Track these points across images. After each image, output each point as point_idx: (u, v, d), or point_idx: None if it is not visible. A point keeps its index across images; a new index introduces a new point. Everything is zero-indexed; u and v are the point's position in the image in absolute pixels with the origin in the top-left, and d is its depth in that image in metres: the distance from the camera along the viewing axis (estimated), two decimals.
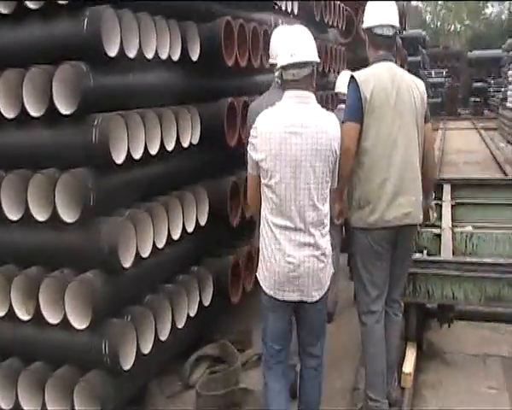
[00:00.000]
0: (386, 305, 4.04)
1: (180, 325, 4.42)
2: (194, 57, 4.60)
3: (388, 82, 3.76)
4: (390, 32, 3.84)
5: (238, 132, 5.03)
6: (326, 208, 3.38)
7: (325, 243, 3.38)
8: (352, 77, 3.81)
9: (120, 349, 3.73)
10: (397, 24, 3.88)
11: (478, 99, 36.51)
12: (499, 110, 27.68)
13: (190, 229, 4.54)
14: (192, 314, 4.58)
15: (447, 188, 7.56)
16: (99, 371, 3.77)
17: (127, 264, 3.80)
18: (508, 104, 25.02)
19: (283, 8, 6.35)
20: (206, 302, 4.83)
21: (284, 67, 3.32)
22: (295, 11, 6.72)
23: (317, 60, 3.38)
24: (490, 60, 37.22)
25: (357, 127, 3.72)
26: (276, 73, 3.51)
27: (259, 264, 3.46)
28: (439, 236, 5.58)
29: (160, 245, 4.16)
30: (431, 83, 32.70)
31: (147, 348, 4.02)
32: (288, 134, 3.22)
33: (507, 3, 51.46)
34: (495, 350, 5.13)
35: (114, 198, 3.93)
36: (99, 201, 3.71)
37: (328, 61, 7.84)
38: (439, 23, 51.59)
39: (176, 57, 4.38)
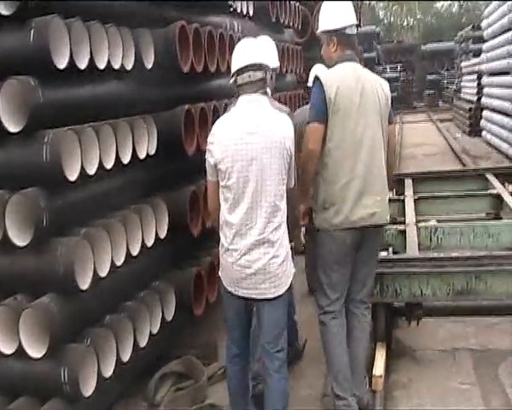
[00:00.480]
0: (352, 306, 4.04)
1: (142, 344, 4.26)
2: (149, 65, 4.43)
3: (353, 82, 3.74)
4: (354, 31, 3.88)
5: (196, 140, 4.89)
6: (282, 206, 3.43)
7: (281, 240, 3.43)
8: (316, 77, 3.78)
9: (80, 375, 3.56)
10: (356, 22, 3.94)
11: (432, 91, 37.01)
12: (453, 101, 28.07)
13: (150, 243, 4.38)
14: (155, 331, 4.42)
15: (408, 182, 7.59)
16: (59, 399, 3.59)
17: (85, 285, 3.63)
18: (462, 95, 25.39)
19: (239, 10, 6.22)
20: (169, 317, 4.67)
21: (238, 71, 3.45)
22: (251, 13, 6.60)
23: (271, 65, 3.51)
24: (442, 52, 37.76)
25: (322, 128, 3.70)
26: (231, 80, 3.56)
27: (220, 261, 3.57)
28: (403, 232, 5.57)
29: (119, 262, 3.98)
30: (386, 78, 32.65)
31: (108, 371, 3.86)
32: (244, 134, 3.34)
33: None
34: (463, 344, 5.10)
35: (69, 217, 3.76)
36: (52, 221, 3.53)
37: (285, 61, 7.73)
38: (391, 18, 52.16)
39: (129, 66, 4.20)
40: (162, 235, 4.56)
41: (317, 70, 5.60)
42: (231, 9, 6.08)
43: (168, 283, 4.72)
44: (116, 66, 4.03)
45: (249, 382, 3.90)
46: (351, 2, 3.96)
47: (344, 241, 3.78)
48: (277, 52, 4.62)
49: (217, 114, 5.16)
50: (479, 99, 20.13)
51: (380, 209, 3.81)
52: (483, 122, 18.56)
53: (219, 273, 3.61)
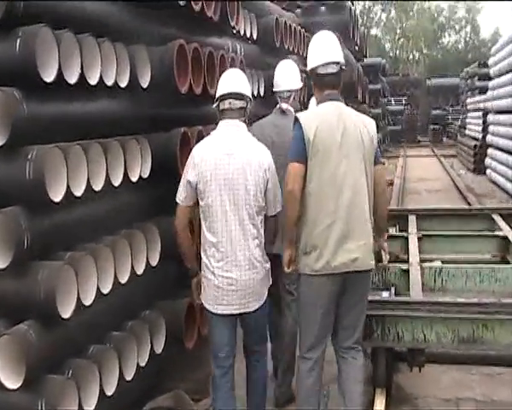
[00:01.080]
0: (342, 352, 3.88)
1: (129, 377, 4.02)
2: (144, 84, 4.22)
3: (334, 122, 3.62)
4: (334, 70, 3.71)
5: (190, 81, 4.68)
6: (260, 227, 3.70)
7: (260, 255, 3.70)
8: (296, 118, 3.68)
9: (59, 409, 3.31)
10: (341, 59, 3.74)
11: (437, 126, 37.05)
12: (458, 137, 28.03)
13: (140, 270, 4.15)
14: (142, 364, 4.19)
15: (412, 219, 7.38)
16: None
17: (67, 313, 3.38)
18: (466, 132, 25.31)
19: (242, 32, 6.05)
20: (159, 350, 4.43)
21: (221, 98, 3.76)
22: (254, 36, 6.44)
23: (249, 95, 3.83)
24: (448, 87, 37.88)
25: (301, 168, 3.57)
26: (214, 105, 3.84)
27: (202, 282, 3.76)
28: (406, 271, 5.34)
29: (106, 290, 3.76)
30: (391, 111, 33.01)
31: (90, 405, 3.60)
32: (223, 155, 3.60)
33: (463, 33, 52.85)
34: (467, 393, 4.84)
35: (52, 240, 3.53)
36: (35, 242, 3.31)
37: None
38: (397, 51, 52.36)
39: (123, 84, 4.01)
40: (154, 262, 4.34)
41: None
42: (234, 31, 5.91)
43: (159, 313, 4.50)
44: (109, 82, 3.84)
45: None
46: (334, 38, 3.81)
47: (326, 287, 3.63)
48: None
49: None
50: (484, 137, 20.02)
51: (363, 255, 3.61)
52: (488, 160, 18.41)
53: (201, 295, 3.78)
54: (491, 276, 5.38)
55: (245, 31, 6.17)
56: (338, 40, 3.83)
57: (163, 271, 4.55)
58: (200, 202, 3.64)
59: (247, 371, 4.07)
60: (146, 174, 4.23)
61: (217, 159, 3.58)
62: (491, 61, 18.67)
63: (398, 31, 51.73)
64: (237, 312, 3.70)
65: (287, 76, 4.75)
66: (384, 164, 3.94)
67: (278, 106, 4.71)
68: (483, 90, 23.71)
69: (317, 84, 3.79)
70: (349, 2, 12.41)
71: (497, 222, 7.19)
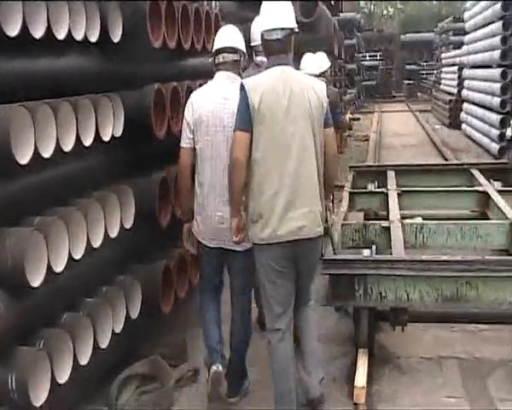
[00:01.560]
0: (297, 311, 3.85)
1: (104, 345, 3.87)
2: (116, 38, 4.00)
3: (280, 87, 3.55)
4: (279, 36, 3.60)
5: (167, 122, 4.49)
6: None
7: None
8: (241, 84, 3.63)
9: (31, 382, 3.15)
10: (289, 24, 3.63)
11: (411, 82, 37.04)
12: (433, 92, 28.01)
13: (114, 234, 3.98)
14: (118, 330, 4.04)
15: (391, 174, 7.34)
16: (6, 409, 3.17)
17: (37, 281, 3.21)
18: (441, 87, 25.29)
19: None
20: (134, 315, 4.29)
21: (216, 52, 4.00)
22: None
23: (243, 49, 4.05)
24: (422, 43, 37.84)
25: (247, 136, 3.52)
26: (210, 59, 4.07)
27: (194, 219, 4.03)
28: (387, 228, 5.32)
29: (78, 256, 3.57)
30: (366, 66, 32.93)
31: (64, 377, 3.45)
32: (220, 98, 3.89)
33: None
34: (450, 351, 4.80)
35: (21, 205, 3.35)
36: (1, 209, 3.15)
37: None
38: (372, 7, 51.89)
39: (94, 38, 3.78)
40: (128, 225, 4.17)
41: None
42: None
43: (134, 277, 4.35)
44: (78, 37, 3.61)
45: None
46: (278, 5, 3.70)
47: (276, 255, 3.58)
48: None
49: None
50: (459, 91, 19.98)
51: (309, 222, 3.55)
52: (463, 115, 18.43)
53: (194, 230, 4.06)
54: (472, 232, 5.40)
55: None
56: (290, 2, 3.73)
57: (138, 233, 4.38)
58: (196, 146, 3.92)
59: (231, 316, 4.21)
60: (119, 133, 4.03)
61: (213, 105, 3.87)
62: (466, 16, 18.53)
63: None
64: (226, 247, 3.92)
65: None
66: (353, 119, 4.03)
67: (254, 61, 4.83)
68: (458, 45, 23.66)
69: (264, 49, 3.78)
70: None
71: (476, 177, 7.17)
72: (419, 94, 36.02)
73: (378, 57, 36.91)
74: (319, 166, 3.63)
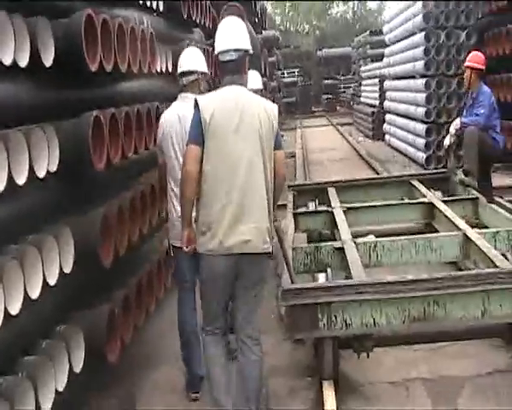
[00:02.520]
0: (241, 341, 3.85)
1: (47, 406, 3.43)
2: (48, 62, 3.61)
3: (232, 105, 3.70)
4: (233, 57, 3.80)
5: (106, 153, 4.11)
6: None
7: None
8: (195, 100, 3.74)
9: None
10: (243, 46, 3.84)
11: (330, 96, 37.56)
12: (353, 105, 28.41)
13: (53, 281, 3.57)
14: (61, 388, 3.61)
15: (332, 192, 7.17)
16: None
17: None
18: (362, 99, 25.66)
19: (148, 4, 5.48)
20: (78, 368, 3.87)
21: (179, 75, 4.54)
22: (161, 8, 5.89)
23: (200, 69, 4.56)
24: (338, 57, 38.50)
25: (198, 150, 3.64)
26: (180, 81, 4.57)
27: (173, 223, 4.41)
28: (341, 249, 5.13)
29: (14, 311, 3.15)
30: (285, 83, 33.11)
31: None
32: (176, 122, 4.42)
33: (351, 3, 53.69)
34: (415, 373, 4.59)
35: None
36: None
37: None
38: (287, 24, 52.50)
39: (23, 63, 3.39)
40: (67, 269, 3.76)
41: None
42: (141, 3, 5.33)
43: (76, 326, 3.94)
44: (7, 62, 3.21)
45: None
46: (239, 23, 3.95)
47: (220, 267, 3.67)
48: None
49: (128, 122, 4.43)
50: (381, 103, 20.23)
51: (254, 237, 3.64)
52: (386, 126, 18.60)
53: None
54: (426, 246, 5.32)
55: (151, 2, 5.59)
56: (244, 24, 3.96)
57: (78, 277, 3.99)
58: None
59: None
60: (54, 168, 3.63)
61: (174, 120, 4.43)
62: (385, 29, 18.79)
63: (288, 4, 51.80)
64: None
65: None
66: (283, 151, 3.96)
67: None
68: (375, 59, 24.08)
69: (219, 69, 4.01)
70: None
71: (417, 188, 7.12)
72: (338, 108, 36.60)
73: (296, 74, 37.24)
74: (268, 184, 3.71)
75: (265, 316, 5.96)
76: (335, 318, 4.08)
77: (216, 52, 3.89)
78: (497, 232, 5.31)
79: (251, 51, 3.92)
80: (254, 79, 6.90)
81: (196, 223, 3.74)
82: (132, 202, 4.67)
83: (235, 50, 3.79)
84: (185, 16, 6.53)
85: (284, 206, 6.75)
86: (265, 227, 3.69)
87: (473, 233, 5.19)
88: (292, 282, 4.21)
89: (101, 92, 4.49)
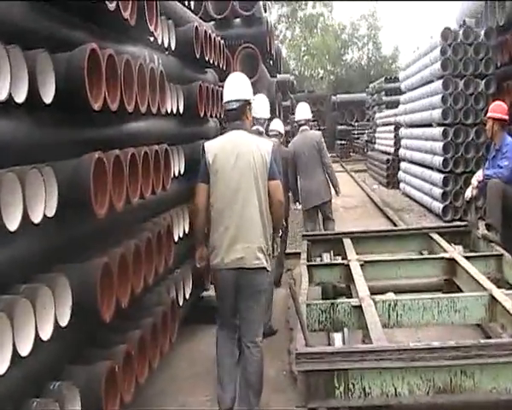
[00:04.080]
0: (244, 345, 4.66)
1: None
2: (48, 99, 3.34)
3: (230, 147, 4.59)
4: (234, 106, 4.69)
5: (109, 197, 3.80)
6: None
7: None
8: (202, 145, 4.75)
9: None
10: (243, 96, 4.71)
11: (344, 142, 37.38)
12: (367, 152, 28.21)
13: (47, 336, 3.25)
14: None
15: (348, 243, 6.83)
16: None
17: None
18: (376, 146, 25.43)
19: (159, 41, 5.25)
20: None
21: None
22: (173, 46, 5.66)
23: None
24: (352, 103, 38.45)
25: (205, 187, 4.61)
26: None
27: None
28: (358, 307, 4.78)
29: (3, 369, 2.84)
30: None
31: None
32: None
33: (365, 50, 53.97)
34: None
35: None
36: None
37: (209, 104, 6.79)
38: (302, 68, 52.74)
39: (20, 99, 3.13)
40: (63, 322, 3.43)
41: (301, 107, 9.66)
42: (151, 39, 5.10)
43: (73, 382, 3.57)
44: (1, 96, 2.94)
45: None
46: (240, 75, 4.97)
47: (223, 278, 4.57)
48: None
49: (134, 165, 4.15)
50: (396, 150, 20.00)
51: (248, 255, 4.49)
52: (401, 174, 18.34)
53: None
54: (450, 307, 4.94)
55: (163, 39, 5.35)
56: (246, 78, 4.88)
57: (76, 331, 3.67)
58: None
59: None
60: (52, 213, 3.34)
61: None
62: (401, 76, 18.63)
63: (303, 48, 52.17)
64: None
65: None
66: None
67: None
68: (390, 105, 23.94)
69: (225, 116, 4.98)
70: (266, 15, 11.83)
71: (437, 242, 6.78)
72: (352, 154, 36.36)
73: None
74: (262, 210, 4.57)
75: (277, 372, 5.65)
76: (353, 386, 3.71)
77: (223, 102, 4.81)
78: None
79: (252, 100, 4.82)
80: (276, 123, 8.50)
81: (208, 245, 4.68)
82: (136, 250, 4.34)
83: (237, 100, 4.68)
84: (198, 56, 6.27)
85: (298, 254, 6.64)
86: (256, 247, 4.51)
87: (499, 294, 4.83)
88: (306, 344, 3.86)
89: (105, 132, 4.20)
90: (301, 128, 9.42)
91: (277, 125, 8.50)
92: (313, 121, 37.01)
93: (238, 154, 4.51)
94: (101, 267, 3.72)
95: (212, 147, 4.63)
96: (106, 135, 4.20)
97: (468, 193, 7.36)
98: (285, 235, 8.55)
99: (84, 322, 3.78)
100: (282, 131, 8.59)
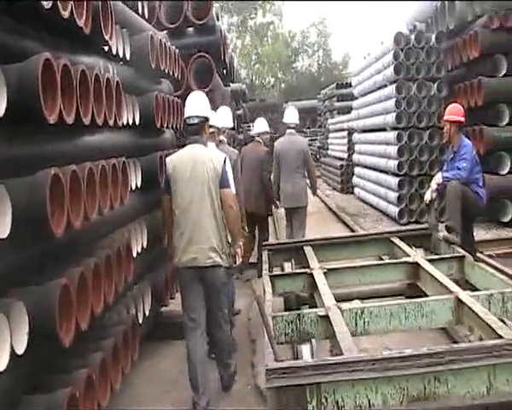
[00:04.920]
0: (210, 320, 5.30)
1: None
2: None
3: (187, 160, 5.12)
4: (194, 121, 5.20)
5: (67, 215, 3.62)
6: None
7: None
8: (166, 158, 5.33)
9: None
10: (202, 113, 5.22)
11: None
12: (320, 158, 28.28)
13: (3, 366, 3.06)
14: None
15: (309, 251, 6.75)
16: None
17: None
18: (329, 152, 25.53)
19: (114, 51, 5.08)
20: None
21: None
22: (127, 56, 5.50)
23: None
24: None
25: (167, 197, 5.20)
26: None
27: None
28: (325, 317, 4.66)
29: None
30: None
31: None
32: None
33: (315, 57, 54.41)
34: None
35: None
36: None
37: (165, 114, 6.63)
38: (253, 77, 52.87)
39: None
40: (20, 350, 3.25)
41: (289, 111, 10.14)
42: (106, 49, 4.93)
43: None
44: None
45: None
46: (200, 94, 5.44)
47: (183, 275, 5.17)
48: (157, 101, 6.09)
49: (91, 180, 3.97)
50: (349, 156, 20.09)
51: (200, 255, 5.05)
52: (355, 179, 18.41)
53: None
54: (416, 311, 4.88)
55: (117, 48, 5.18)
56: (205, 97, 5.41)
57: (33, 358, 3.49)
58: None
59: None
60: (5, 233, 3.15)
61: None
62: (354, 81, 18.72)
63: (254, 57, 52.29)
64: None
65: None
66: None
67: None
68: (342, 111, 24.06)
69: (185, 130, 5.56)
70: (220, 23, 11.70)
71: (399, 246, 6.76)
72: None
73: None
74: (216, 216, 5.11)
75: (242, 386, 5.52)
76: (326, 399, 3.57)
77: (184, 117, 5.29)
78: (491, 295, 4.93)
79: (209, 117, 5.34)
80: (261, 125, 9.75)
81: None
82: (96, 269, 4.16)
83: (197, 117, 5.19)
84: (153, 65, 6.11)
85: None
86: (208, 247, 5.05)
87: (466, 296, 4.80)
88: (276, 359, 3.73)
89: (61, 146, 3.99)
90: (289, 131, 9.76)
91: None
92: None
93: (193, 166, 5.04)
94: (59, 289, 3.53)
95: (172, 160, 5.18)
96: (61, 149, 4.00)
97: (428, 196, 7.36)
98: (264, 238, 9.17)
99: (43, 348, 3.60)
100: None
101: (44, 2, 3.39)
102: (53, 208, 3.47)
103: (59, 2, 3.57)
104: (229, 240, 5.32)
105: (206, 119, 5.27)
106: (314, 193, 10.40)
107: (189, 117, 5.17)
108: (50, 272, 3.71)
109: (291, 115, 10.06)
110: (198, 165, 5.03)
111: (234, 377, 5.58)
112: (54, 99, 3.50)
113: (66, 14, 3.70)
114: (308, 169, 9.60)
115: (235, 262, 5.50)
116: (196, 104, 5.25)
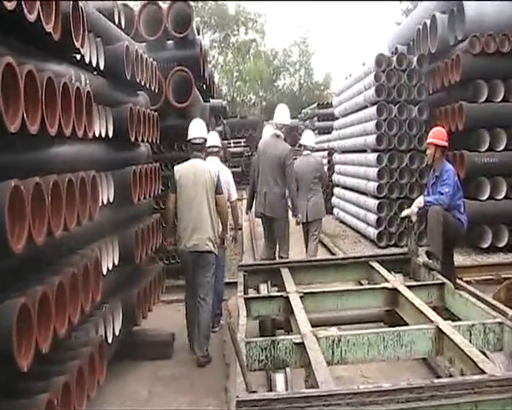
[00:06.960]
0: (198, 301, 6.66)
1: None
2: None
3: (190, 170, 6.71)
4: (198, 141, 6.96)
5: (28, 230, 3.39)
6: None
7: None
8: (173, 167, 7.00)
9: None
10: (203, 135, 7.03)
11: None
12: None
13: None
14: None
15: (286, 273, 6.57)
16: None
17: None
18: None
19: (87, 59, 4.87)
20: None
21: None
22: (101, 65, 5.29)
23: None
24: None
25: (173, 196, 6.73)
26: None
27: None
28: (300, 344, 4.51)
29: None
30: (231, 152, 32.79)
31: None
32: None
33: (297, 76, 54.63)
34: None
35: None
36: None
37: (140, 128, 6.42)
38: (234, 94, 52.87)
39: None
40: None
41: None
42: (78, 57, 4.72)
43: None
44: None
45: None
46: (199, 122, 7.16)
47: (186, 258, 6.70)
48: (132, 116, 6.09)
49: (57, 194, 3.75)
50: (329, 176, 19.94)
51: (200, 243, 6.59)
52: (334, 200, 18.27)
53: None
54: (395, 341, 4.73)
55: (90, 57, 4.97)
56: (204, 123, 7.27)
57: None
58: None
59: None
60: None
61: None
62: (335, 101, 18.63)
63: (235, 74, 52.29)
64: None
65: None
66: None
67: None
68: (323, 131, 24.00)
69: (190, 147, 7.04)
70: (200, 37, 11.53)
71: (377, 271, 6.61)
72: None
73: (242, 143, 37.07)
74: (211, 214, 6.67)
75: None
76: None
77: (189, 137, 6.97)
78: (473, 325, 4.78)
79: (207, 138, 7.17)
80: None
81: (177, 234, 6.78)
82: (60, 287, 3.91)
83: (200, 138, 6.97)
84: (129, 77, 5.90)
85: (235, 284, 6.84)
86: (206, 237, 6.60)
87: (446, 326, 4.65)
88: (247, 390, 3.52)
89: (24, 157, 3.74)
90: (275, 132, 9.35)
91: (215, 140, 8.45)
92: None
93: (195, 174, 6.64)
94: (17, 309, 3.28)
95: (179, 169, 6.75)
96: (24, 160, 3.75)
97: (406, 213, 7.27)
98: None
99: (0, 371, 3.35)
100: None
101: (8, 4, 3.16)
102: (13, 223, 3.24)
103: (23, 3, 3.34)
104: (221, 229, 6.99)
105: (205, 140, 7.11)
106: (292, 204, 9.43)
107: (194, 138, 6.92)
108: (9, 291, 3.47)
109: (282, 115, 9.88)
110: (199, 175, 6.64)
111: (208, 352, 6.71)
112: (16, 107, 3.27)
113: (32, 17, 3.47)
114: (286, 175, 8.81)
115: (223, 243, 7.34)
116: (199, 128, 7.02)
